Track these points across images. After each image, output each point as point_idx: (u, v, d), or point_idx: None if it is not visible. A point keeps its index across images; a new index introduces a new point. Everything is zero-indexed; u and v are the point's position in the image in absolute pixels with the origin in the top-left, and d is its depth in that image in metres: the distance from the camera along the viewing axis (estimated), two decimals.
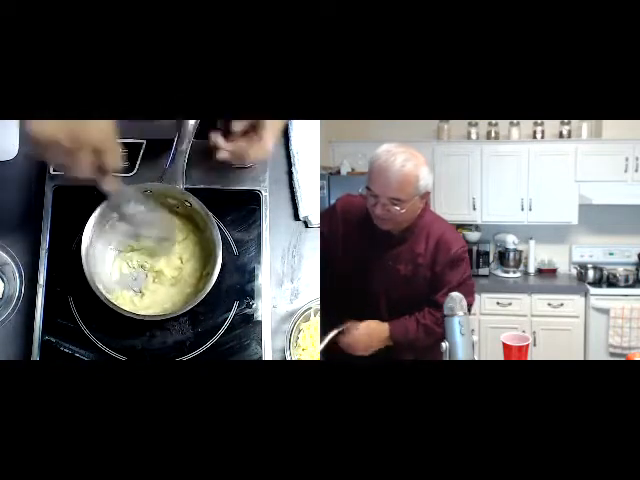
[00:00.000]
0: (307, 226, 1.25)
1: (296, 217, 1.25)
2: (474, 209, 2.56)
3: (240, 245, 1.19)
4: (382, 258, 1.25)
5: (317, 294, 1.18)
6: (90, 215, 1.15)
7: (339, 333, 1.21)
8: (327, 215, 1.31)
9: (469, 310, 1.15)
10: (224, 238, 1.16)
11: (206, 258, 1.14)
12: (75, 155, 0.94)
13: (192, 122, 1.13)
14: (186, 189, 1.14)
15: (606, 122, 2.48)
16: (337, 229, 1.28)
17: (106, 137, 0.97)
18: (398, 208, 1.17)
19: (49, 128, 0.91)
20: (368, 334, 1.22)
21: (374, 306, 1.25)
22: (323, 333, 1.19)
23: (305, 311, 1.15)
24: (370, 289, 1.26)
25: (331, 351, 1.19)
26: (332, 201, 2.23)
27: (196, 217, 1.15)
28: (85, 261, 1.07)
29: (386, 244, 1.25)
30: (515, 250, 2.60)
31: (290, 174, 1.27)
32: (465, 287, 1.22)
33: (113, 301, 1.07)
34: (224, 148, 1.08)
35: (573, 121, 2.56)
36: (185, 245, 1.17)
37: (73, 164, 0.95)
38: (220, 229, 1.14)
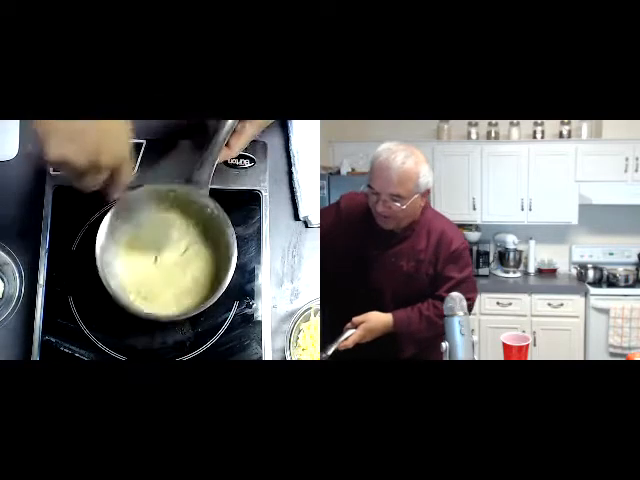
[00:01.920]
0: (307, 226, 1.25)
1: (296, 217, 1.25)
2: (474, 209, 2.56)
3: (240, 245, 1.19)
4: (384, 255, 1.26)
5: (317, 294, 1.18)
6: (90, 215, 1.16)
7: (345, 339, 1.21)
8: (331, 211, 1.31)
9: (471, 307, 1.16)
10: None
11: (219, 264, 1.13)
12: (89, 175, 0.92)
13: (227, 128, 1.12)
14: None
15: (606, 122, 2.48)
16: (340, 225, 1.29)
17: (123, 159, 0.95)
18: (399, 204, 1.18)
19: (65, 151, 0.87)
20: (370, 328, 1.23)
21: (378, 304, 1.26)
22: (323, 333, 1.19)
23: (305, 311, 1.15)
24: (374, 287, 1.27)
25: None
26: (332, 201, 2.23)
27: (214, 223, 1.13)
28: (100, 261, 1.06)
29: (388, 241, 1.26)
30: (515, 250, 2.60)
31: (290, 174, 1.27)
32: (467, 283, 1.24)
33: (124, 300, 1.06)
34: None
35: (573, 121, 2.56)
36: (198, 251, 1.16)
37: (85, 182, 0.94)
38: (227, 219, 1.13)
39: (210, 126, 1.14)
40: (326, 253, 1.25)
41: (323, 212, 1.27)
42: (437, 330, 1.21)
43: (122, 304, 1.06)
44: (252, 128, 1.15)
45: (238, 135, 1.14)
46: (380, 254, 1.26)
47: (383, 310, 1.25)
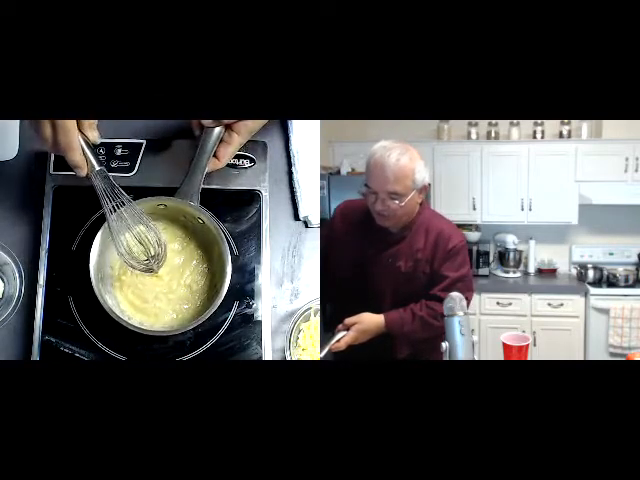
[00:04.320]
0: (307, 226, 1.25)
1: (296, 217, 1.25)
2: (474, 209, 2.56)
3: (240, 245, 1.19)
4: (382, 256, 1.25)
5: (317, 294, 1.18)
6: (90, 215, 1.16)
7: (337, 341, 1.21)
8: (328, 222, 1.32)
9: (467, 306, 1.15)
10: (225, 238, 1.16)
11: (214, 273, 1.14)
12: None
13: (213, 139, 1.12)
14: None
15: (606, 122, 2.48)
16: (338, 232, 1.29)
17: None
18: (397, 202, 1.18)
19: None
20: (363, 329, 1.23)
21: (378, 305, 1.26)
22: (323, 333, 1.19)
23: (305, 311, 1.15)
24: (373, 288, 1.27)
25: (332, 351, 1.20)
26: (332, 201, 2.23)
27: (208, 234, 1.14)
28: (94, 275, 1.07)
29: (386, 242, 1.26)
30: (515, 250, 2.60)
31: (290, 174, 1.27)
32: (463, 283, 1.23)
33: (119, 315, 1.07)
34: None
35: (573, 121, 2.56)
36: (192, 262, 1.16)
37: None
38: (220, 229, 1.14)
39: (197, 136, 1.13)
40: (327, 257, 1.25)
41: (322, 227, 1.27)
42: (432, 331, 1.21)
43: (119, 321, 1.06)
44: (240, 137, 1.14)
45: (226, 145, 1.14)
46: (379, 255, 1.26)
47: (383, 311, 1.25)
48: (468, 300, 1.21)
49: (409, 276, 1.25)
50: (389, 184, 1.18)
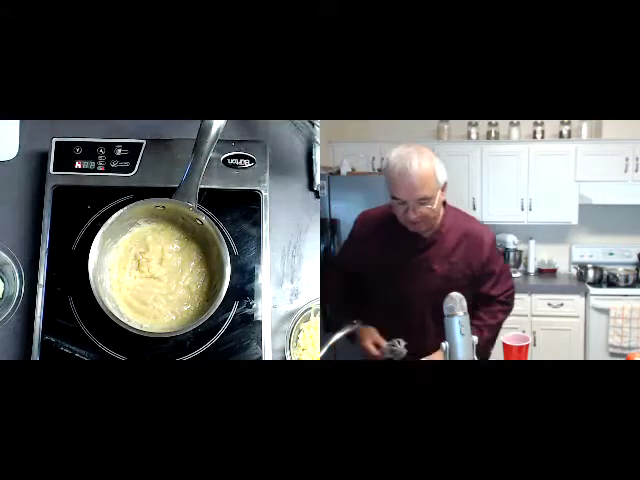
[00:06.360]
0: (317, 196, 1.26)
1: (310, 187, 1.27)
2: (474, 209, 2.56)
3: (240, 245, 1.19)
4: (415, 262, 1.24)
5: (317, 294, 1.18)
6: (90, 215, 1.16)
7: (347, 335, 1.20)
8: (349, 236, 1.31)
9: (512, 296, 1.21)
10: (224, 238, 1.16)
11: (213, 274, 1.14)
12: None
13: (209, 141, 1.12)
14: None
15: (606, 122, 2.48)
16: (361, 243, 1.28)
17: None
18: (429, 206, 1.18)
19: None
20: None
21: (419, 313, 1.25)
22: (323, 333, 1.19)
23: (305, 311, 1.15)
24: (411, 297, 1.25)
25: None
26: (332, 201, 2.22)
27: (206, 235, 1.14)
28: (93, 281, 1.07)
29: (416, 248, 1.24)
30: (515, 250, 2.60)
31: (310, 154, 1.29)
32: (506, 273, 1.28)
33: (119, 317, 1.07)
34: None
35: (573, 121, 2.56)
36: (191, 264, 1.16)
37: None
38: (220, 229, 1.14)
39: (195, 138, 1.13)
40: (352, 269, 1.26)
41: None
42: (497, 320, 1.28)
43: (119, 324, 1.06)
44: None
45: None
46: (411, 262, 1.24)
47: (425, 317, 1.24)
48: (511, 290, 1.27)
49: (447, 278, 1.23)
50: (417, 191, 1.16)
